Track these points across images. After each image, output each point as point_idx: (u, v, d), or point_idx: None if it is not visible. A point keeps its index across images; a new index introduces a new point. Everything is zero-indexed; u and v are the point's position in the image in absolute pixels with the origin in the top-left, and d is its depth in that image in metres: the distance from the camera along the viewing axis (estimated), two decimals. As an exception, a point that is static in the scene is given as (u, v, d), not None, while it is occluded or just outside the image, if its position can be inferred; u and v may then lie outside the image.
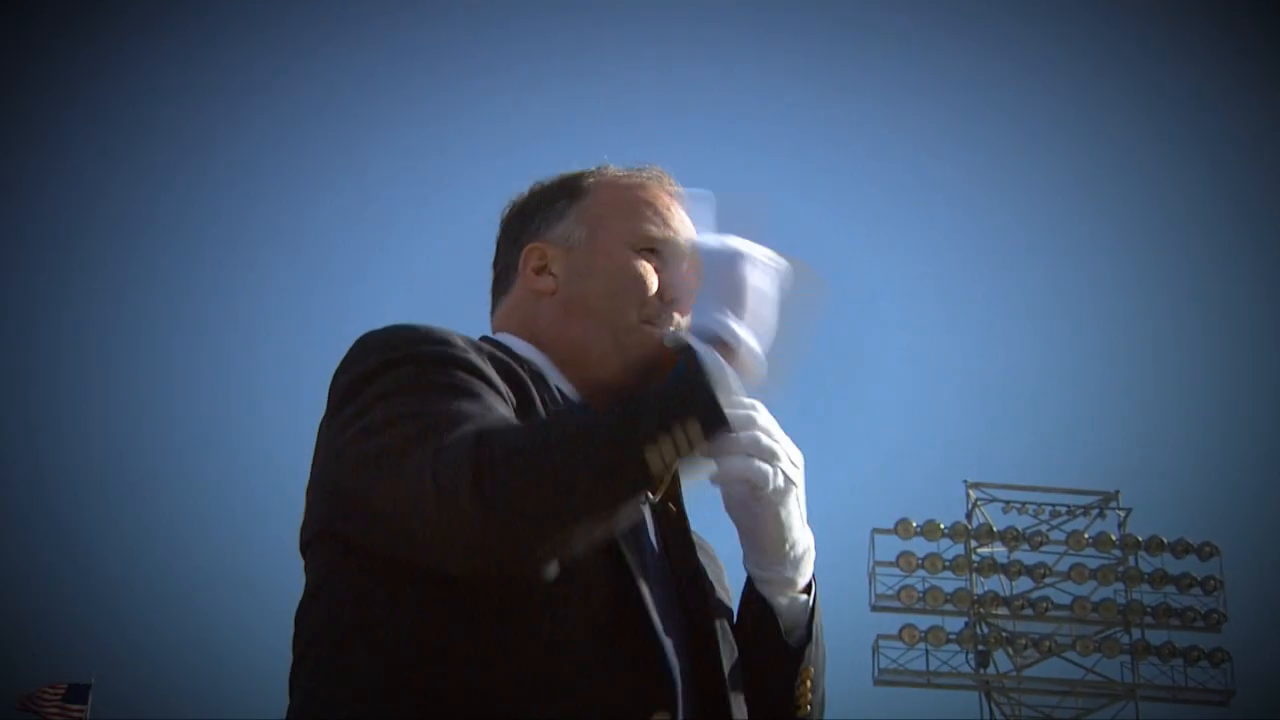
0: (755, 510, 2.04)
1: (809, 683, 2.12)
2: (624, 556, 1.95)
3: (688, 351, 1.90)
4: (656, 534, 2.10)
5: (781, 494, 2.03)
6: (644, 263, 2.20)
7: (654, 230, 2.22)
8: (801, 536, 2.09)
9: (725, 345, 1.95)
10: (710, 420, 1.85)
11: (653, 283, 2.19)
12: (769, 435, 2.00)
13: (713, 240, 2.08)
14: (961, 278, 49.58)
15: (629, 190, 2.27)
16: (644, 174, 2.29)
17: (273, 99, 53.89)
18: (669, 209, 2.26)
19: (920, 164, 48.87)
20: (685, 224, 2.26)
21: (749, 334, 1.98)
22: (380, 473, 1.89)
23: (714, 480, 2.02)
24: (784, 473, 2.02)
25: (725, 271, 2.03)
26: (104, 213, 49.50)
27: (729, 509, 2.07)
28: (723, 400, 1.86)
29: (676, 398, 1.85)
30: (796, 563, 2.09)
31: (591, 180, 2.29)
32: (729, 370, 1.91)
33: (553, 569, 1.87)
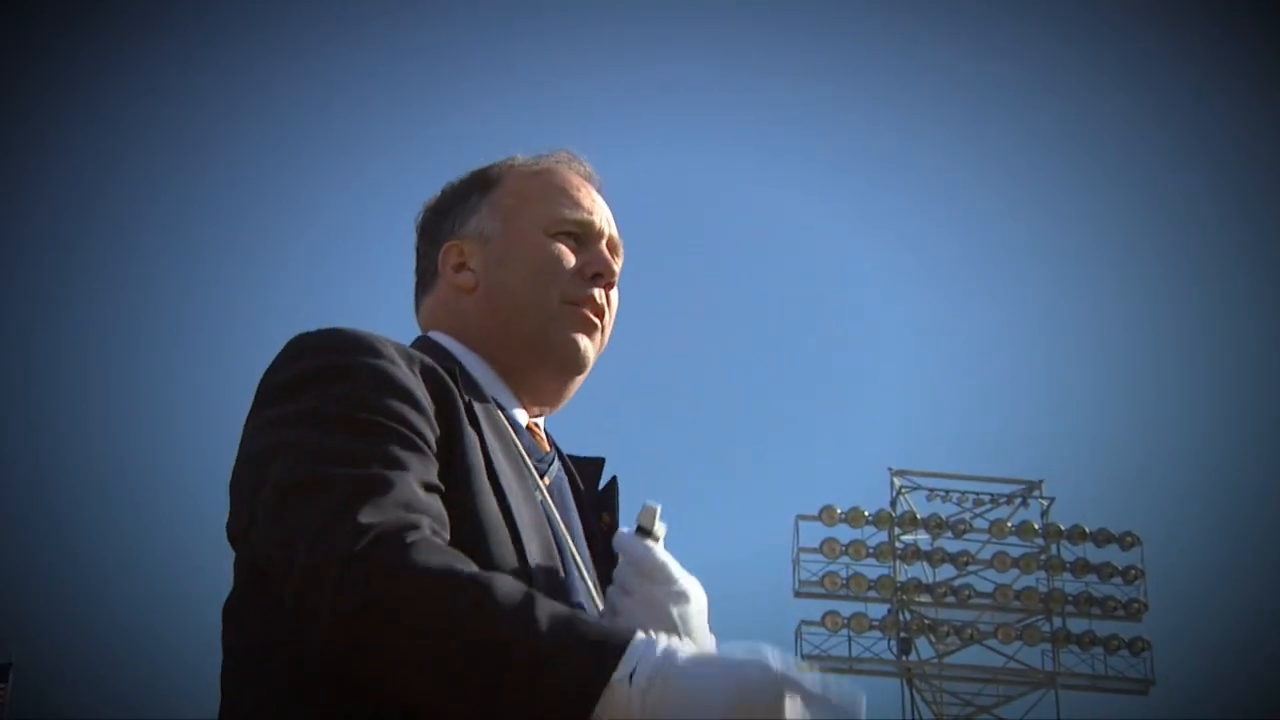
0: None
1: None
2: None
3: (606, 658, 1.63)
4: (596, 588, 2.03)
5: None
6: (561, 245, 2.19)
7: (567, 213, 2.21)
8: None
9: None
10: None
11: (571, 262, 2.18)
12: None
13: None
14: (891, 268, 49.82)
15: (538, 176, 2.25)
16: (552, 158, 2.29)
17: (274, 99, 53.82)
18: (579, 190, 2.24)
19: (874, 156, 49.05)
20: (599, 203, 2.25)
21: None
22: (265, 506, 1.81)
23: None
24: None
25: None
26: (104, 213, 49.19)
27: None
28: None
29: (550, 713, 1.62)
30: None
31: (500, 171, 2.28)
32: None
33: None
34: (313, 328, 1.98)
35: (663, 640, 1.66)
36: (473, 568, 1.72)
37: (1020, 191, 48.56)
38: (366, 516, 1.72)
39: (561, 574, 1.95)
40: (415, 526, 1.74)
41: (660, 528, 1.99)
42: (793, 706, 1.61)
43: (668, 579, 1.92)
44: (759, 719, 1.59)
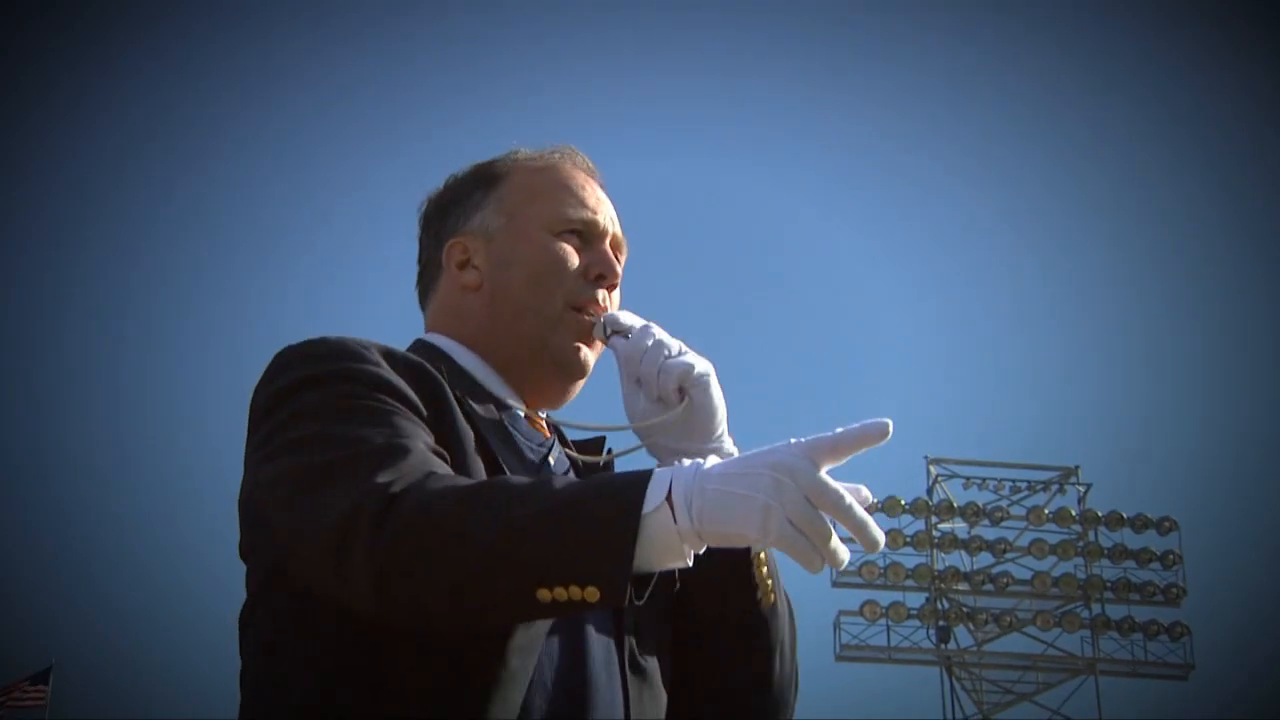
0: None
1: (765, 568, 2.04)
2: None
3: (634, 489, 1.67)
4: None
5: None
6: (565, 245, 2.17)
7: (571, 212, 2.19)
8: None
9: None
10: (609, 595, 1.64)
11: (575, 263, 2.17)
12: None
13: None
14: (923, 255, 49.73)
15: (542, 173, 2.23)
16: (556, 154, 2.26)
17: (275, 100, 53.77)
18: (584, 188, 2.23)
19: (893, 147, 48.95)
20: (602, 201, 2.24)
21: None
22: (280, 499, 1.83)
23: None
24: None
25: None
26: (105, 213, 49.34)
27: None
28: (639, 564, 1.65)
29: (594, 550, 1.64)
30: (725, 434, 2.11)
31: (504, 167, 2.25)
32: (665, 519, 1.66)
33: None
34: (297, 340, 1.99)
35: (685, 461, 1.69)
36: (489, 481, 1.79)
37: (1057, 175, 48.41)
38: (385, 476, 1.75)
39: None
40: (434, 472, 1.78)
41: (635, 319, 2.12)
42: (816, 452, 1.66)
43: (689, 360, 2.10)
44: (795, 481, 1.63)
